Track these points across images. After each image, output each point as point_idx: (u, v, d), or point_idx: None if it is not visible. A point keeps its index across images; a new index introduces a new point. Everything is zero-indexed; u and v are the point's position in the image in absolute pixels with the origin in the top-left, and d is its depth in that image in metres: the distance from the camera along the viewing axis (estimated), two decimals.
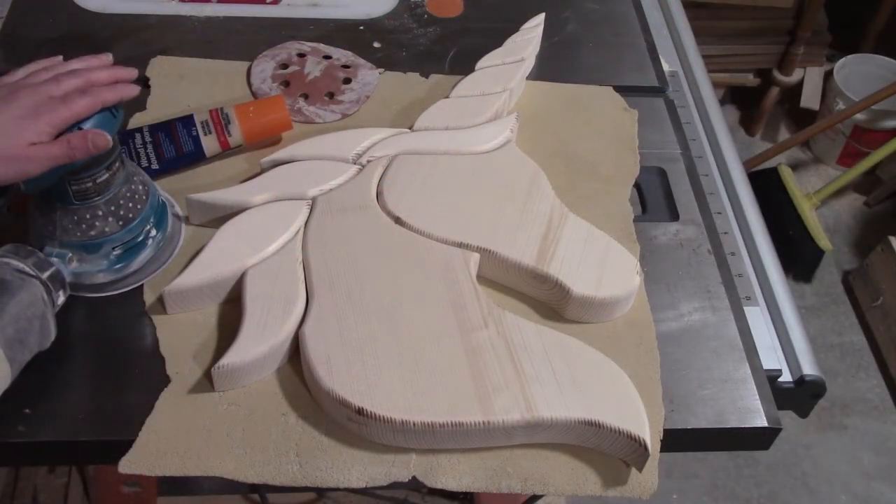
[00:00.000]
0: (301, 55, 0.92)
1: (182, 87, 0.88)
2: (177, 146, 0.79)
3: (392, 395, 0.61)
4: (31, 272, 0.61)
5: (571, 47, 1.00)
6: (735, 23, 2.02)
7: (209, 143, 0.80)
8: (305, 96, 0.88)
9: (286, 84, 0.89)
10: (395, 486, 0.62)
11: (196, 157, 0.80)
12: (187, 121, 0.80)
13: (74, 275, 0.68)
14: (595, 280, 0.70)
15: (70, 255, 0.67)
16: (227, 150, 0.81)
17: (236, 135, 0.81)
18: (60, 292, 0.64)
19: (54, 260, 0.65)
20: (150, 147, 0.79)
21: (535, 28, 0.97)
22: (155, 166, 0.79)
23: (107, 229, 0.67)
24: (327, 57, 0.93)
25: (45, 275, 0.62)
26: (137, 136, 0.80)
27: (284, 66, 0.91)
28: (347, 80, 0.90)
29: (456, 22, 1.02)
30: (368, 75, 0.92)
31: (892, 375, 1.78)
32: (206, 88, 0.89)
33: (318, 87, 0.89)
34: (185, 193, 0.75)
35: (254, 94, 0.89)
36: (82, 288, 0.69)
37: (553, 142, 0.87)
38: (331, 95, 0.89)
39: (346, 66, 0.92)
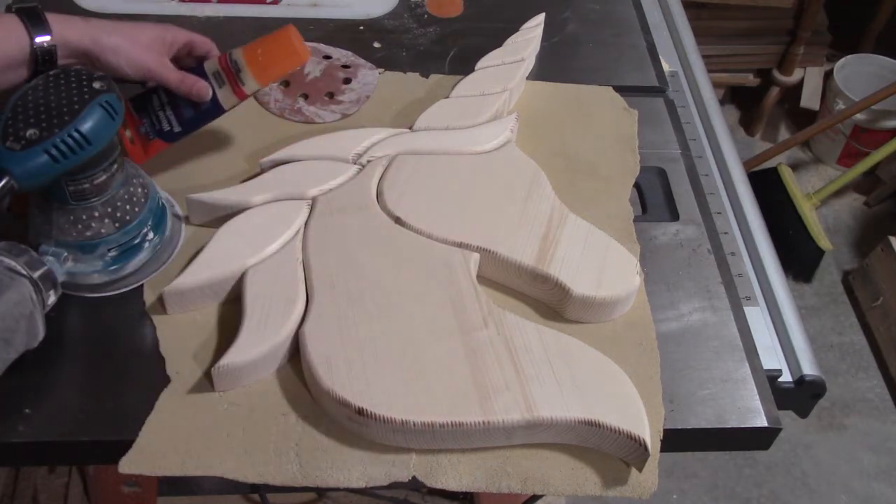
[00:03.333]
0: None
1: None
2: (194, 104, 0.76)
3: (392, 395, 0.61)
4: (22, 271, 0.61)
5: (571, 47, 1.00)
6: (735, 23, 2.02)
7: (225, 96, 0.77)
8: (305, 96, 0.88)
9: (286, 84, 0.89)
10: (395, 486, 0.62)
11: (214, 112, 0.77)
12: (199, 74, 0.77)
13: (70, 274, 0.68)
14: (595, 280, 0.70)
15: (66, 254, 0.67)
16: (244, 99, 0.78)
17: (250, 82, 0.76)
18: (51, 292, 0.64)
19: (48, 259, 0.65)
20: (168, 109, 0.77)
21: (535, 28, 0.97)
22: (177, 129, 0.77)
23: (103, 230, 0.67)
24: (327, 57, 0.93)
25: (36, 274, 0.62)
26: (154, 97, 0.77)
27: None
28: (347, 80, 0.90)
29: (456, 22, 1.02)
30: (368, 75, 0.91)
31: (892, 375, 1.78)
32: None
33: (318, 87, 0.89)
34: (185, 193, 0.75)
35: (254, 94, 0.88)
36: (80, 288, 0.69)
37: (553, 142, 0.87)
38: (331, 95, 0.89)
39: (346, 66, 0.92)
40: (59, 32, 0.68)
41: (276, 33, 0.78)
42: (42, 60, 0.68)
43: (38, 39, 0.67)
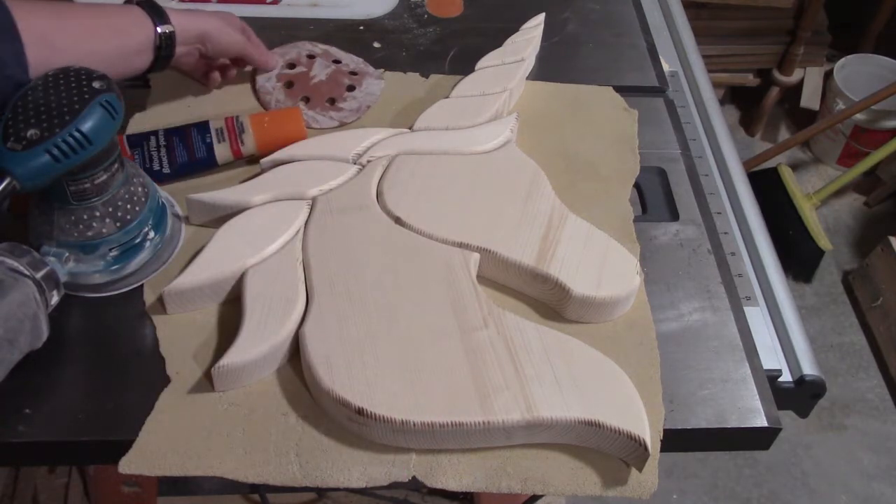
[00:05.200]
0: (311, 56, 0.92)
1: (182, 87, 0.88)
2: (189, 152, 0.79)
3: (392, 395, 0.61)
4: (25, 272, 0.61)
5: (571, 47, 1.00)
6: (735, 23, 2.02)
7: (222, 151, 0.80)
8: (307, 99, 0.88)
9: (290, 85, 0.89)
10: (395, 486, 0.62)
11: (208, 164, 0.80)
12: (202, 127, 0.80)
13: (71, 275, 0.68)
14: (595, 280, 0.70)
15: (67, 254, 0.67)
16: (239, 159, 0.81)
17: (249, 144, 0.80)
18: (54, 292, 0.64)
19: (50, 259, 0.65)
20: (163, 151, 0.79)
21: (535, 28, 0.97)
22: (167, 170, 0.79)
23: (104, 230, 0.67)
24: (336, 61, 0.92)
25: (39, 274, 0.62)
26: (153, 138, 0.80)
27: (292, 65, 0.91)
28: (351, 88, 0.90)
29: (456, 22, 1.02)
30: (373, 85, 0.91)
31: (892, 375, 1.78)
32: (206, 88, 0.89)
33: (321, 92, 0.89)
34: (185, 193, 0.75)
35: (255, 91, 0.89)
36: (80, 288, 0.69)
37: (553, 142, 0.87)
38: (332, 101, 0.88)
39: (353, 73, 0.91)
40: (177, 20, 0.76)
41: (284, 109, 0.85)
42: (164, 45, 0.75)
43: (161, 28, 0.75)
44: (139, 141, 0.80)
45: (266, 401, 0.64)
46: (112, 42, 0.72)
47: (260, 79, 0.89)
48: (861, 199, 2.14)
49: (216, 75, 0.88)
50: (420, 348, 0.64)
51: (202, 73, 0.87)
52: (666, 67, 1.00)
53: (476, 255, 0.71)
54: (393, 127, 0.84)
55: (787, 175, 1.95)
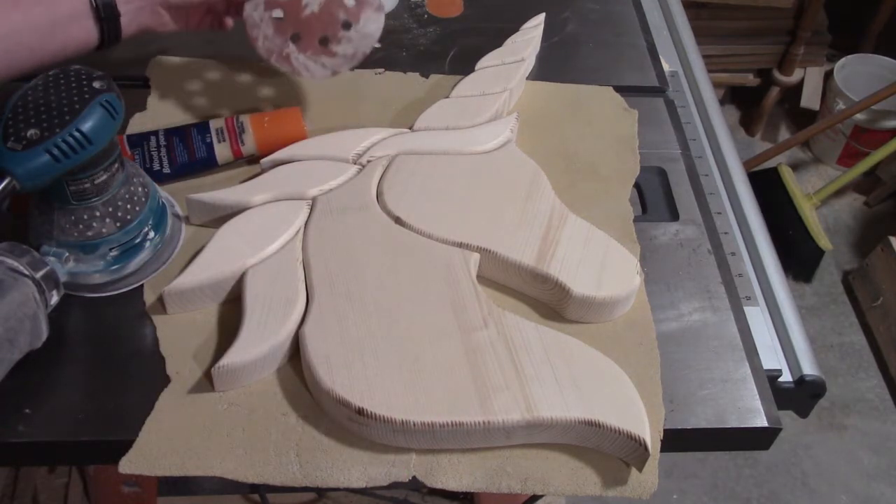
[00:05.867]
0: None
1: (182, 87, 0.88)
2: (190, 152, 0.79)
3: (392, 395, 0.61)
4: (25, 271, 0.61)
5: (571, 47, 1.00)
6: (735, 23, 2.02)
7: (222, 151, 0.80)
8: (297, 38, 0.81)
9: (279, 16, 0.80)
10: (395, 486, 0.62)
11: (208, 163, 0.80)
12: (202, 127, 0.80)
13: (71, 274, 0.68)
14: (595, 280, 0.70)
15: (67, 254, 0.67)
16: (239, 159, 0.81)
17: (249, 144, 0.80)
18: (54, 292, 0.64)
19: (50, 259, 0.65)
20: (163, 151, 0.79)
21: (535, 28, 0.97)
22: (167, 170, 0.79)
23: (104, 230, 0.67)
24: None
25: (39, 274, 0.62)
26: (153, 138, 0.80)
27: None
28: (347, 26, 0.80)
29: (456, 22, 1.02)
30: (372, 22, 0.81)
31: (892, 375, 1.78)
32: (206, 88, 0.89)
33: (312, 28, 0.80)
34: (185, 193, 0.75)
35: (244, 23, 0.81)
36: (80, 288, 0.69)
37: (553, 142, 0.87)
38: (325, 42, 0.81)
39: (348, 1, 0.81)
40: None
41: (284, 109, 0.84)
42: (102, 6, 0.70)
43: None
44: (139, 141, 0.80)
45: (266, 401, 0.64)
46: (35, 10, 0.67)
47: (247, 6, 0.80)
48: (861, 199, 2.14)
49: (229, 20, 0.82)
50: (420, 348, 0.64)
51: (211, 23, 0.81)
52: (666, 67, 1.00)
53: (476, 255, 0.71)
54: (393, 127, 0.84)
55: (787, 175, 1.95)
